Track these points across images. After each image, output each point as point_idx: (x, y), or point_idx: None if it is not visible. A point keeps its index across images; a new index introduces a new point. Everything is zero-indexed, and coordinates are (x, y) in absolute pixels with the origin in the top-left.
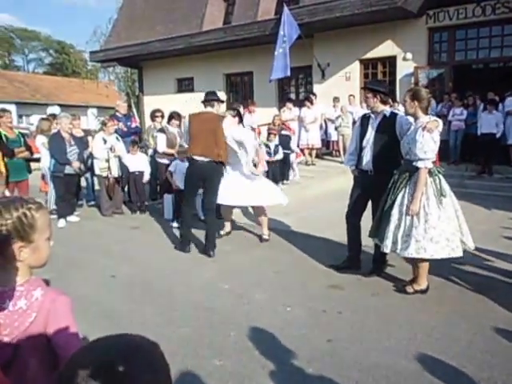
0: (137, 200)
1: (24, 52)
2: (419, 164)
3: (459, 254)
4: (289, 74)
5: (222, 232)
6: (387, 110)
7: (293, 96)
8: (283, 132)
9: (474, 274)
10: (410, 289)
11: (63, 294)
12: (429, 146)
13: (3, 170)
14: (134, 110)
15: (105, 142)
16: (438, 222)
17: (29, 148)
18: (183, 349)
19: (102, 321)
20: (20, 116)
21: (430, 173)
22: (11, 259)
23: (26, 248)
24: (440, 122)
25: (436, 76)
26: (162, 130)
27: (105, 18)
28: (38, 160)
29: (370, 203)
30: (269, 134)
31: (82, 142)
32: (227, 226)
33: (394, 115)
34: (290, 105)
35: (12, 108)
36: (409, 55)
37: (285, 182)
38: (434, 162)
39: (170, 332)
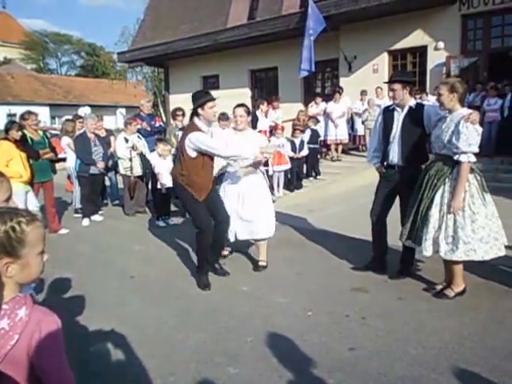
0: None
1: (57, 55)
2: (462, 158)
3: (503, 252)
4: (314, 69)
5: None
6: (413, 101)
7: (318, 90)
8: (313, 127)
9: None
10: (450, 292)
11: (51, 314)
12: (473, 138)
13: (23, 173)
14: (161, 109)
15: (126, 141)
16: (486, 221)
17: (53, 149)
18: (197, 355)
19: (118, 323)
20: (53, 117)
21: (471, 169)
22: None
23: (14, 264)
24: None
25: (470, 65)
26: (183, 129)
27: (134, 19)
28: (63, 160)
29: (396, 201)
30: (294, 130)
31: (105, 142)
32: None
33: (420, 106)
34: (318, 99)
35: (45, 110)
36: (440, 44)
37: (318, 177)
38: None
39: (184, 337)
